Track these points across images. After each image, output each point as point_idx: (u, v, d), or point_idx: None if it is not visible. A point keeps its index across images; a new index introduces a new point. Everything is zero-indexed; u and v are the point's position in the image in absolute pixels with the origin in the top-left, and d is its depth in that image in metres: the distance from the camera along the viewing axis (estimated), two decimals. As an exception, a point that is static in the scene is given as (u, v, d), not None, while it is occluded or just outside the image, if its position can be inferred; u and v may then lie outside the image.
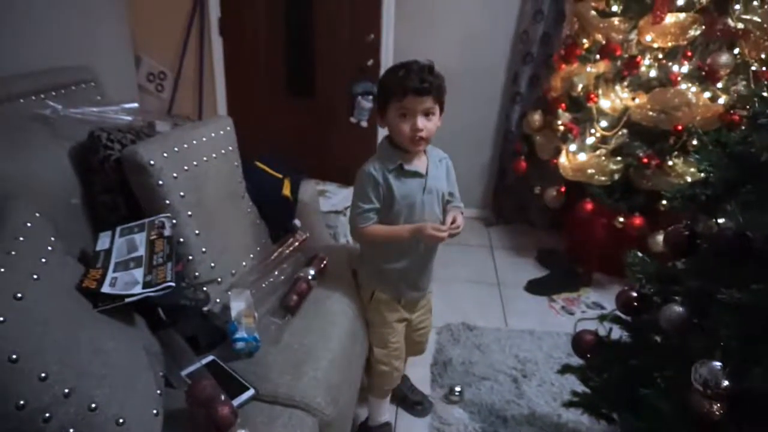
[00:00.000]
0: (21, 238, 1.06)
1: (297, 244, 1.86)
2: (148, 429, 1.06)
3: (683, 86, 2.37)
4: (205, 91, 3.42)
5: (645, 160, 2.44)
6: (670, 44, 2.42)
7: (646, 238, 2.44)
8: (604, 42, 2.63)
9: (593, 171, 2.57)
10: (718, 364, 1.01)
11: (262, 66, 3.39)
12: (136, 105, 1.88)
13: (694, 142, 2.31)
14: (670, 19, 2.36)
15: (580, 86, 2.67)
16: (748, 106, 2.20)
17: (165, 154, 1.52)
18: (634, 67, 2.50)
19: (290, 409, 1.32)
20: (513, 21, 3.14)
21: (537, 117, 3.01)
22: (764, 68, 2.29)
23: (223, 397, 1.16)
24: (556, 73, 2.91)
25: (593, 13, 2.67)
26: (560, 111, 2.81)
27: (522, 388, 2.08)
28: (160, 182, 1.49)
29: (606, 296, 2.71)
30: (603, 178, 2.56)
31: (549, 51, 3.09)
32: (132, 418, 1.03)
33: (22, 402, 0.87)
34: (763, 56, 2.27)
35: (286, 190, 2.07)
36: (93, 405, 0.97)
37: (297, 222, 2.04)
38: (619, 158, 2.55)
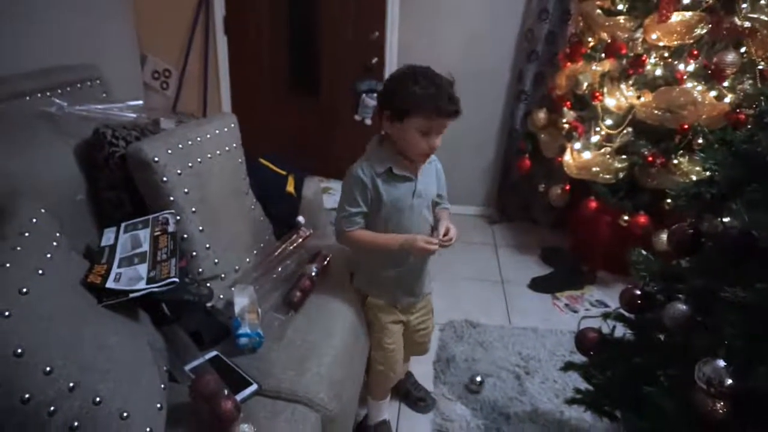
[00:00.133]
0: (26, 234, 1.07)
1: (300, 240, 1.87)
2: (152, 423, 1.07)
3: (689, 85, 2.35)
4: (210, 89, 3.43)
5: (650, 159, 2.43)
6: (675, 43, 2.40)
7: (650, 236, 2.43)
8: (609, 40, 2.61)
9: (598, 169, 2.57)
10: (721, 362, 1.00)
11: (266, 64, 3.40)
12: (141, 102, 1.89)
13: (700, 141, 2.30)
14: (676, 17, 2.34)
15: (585, 84, 2.66)
16: (754, 105, 2.19)
17: (169, 151, 1.52)
18: (639, 65, 2.49)
19: (293, 404, 1.33)
20: (518, 19, 3.13)
21: (542, 115, 3.00)
22: (771, 67, 2.28)
23: (226, 392, 1.16)
24: (561, 72, 2.90)
25: (599, 11, 2.66)
26: (565, 109, 2.80)
27: (525, 385, 2.08)
28: (165, 179, 1.50)
29: (610, 294, 2.70)
30: (608, 177, 2.55)
31: (554, 49, 3.08)
32: (136, 412, 1.04)
33: (27, 396, 0.88)
34: (770, 55, 2.26)
35: (290, 187, 2.07)
36: (97, 399, 0.98)
37: (301, 219, 2.05)
38: (624, 157, 2.54)
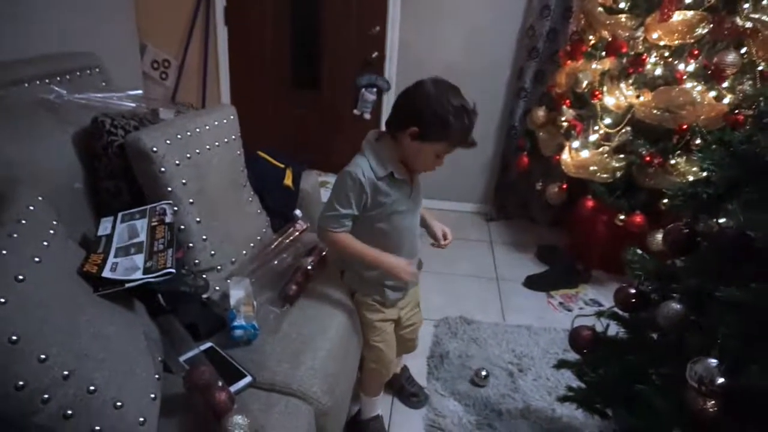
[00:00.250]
0: (23, 221, 1.07)
1: (297, 234, 1.87)
2: (146, 413, 1.07)
3: (688, 85, 2.35)
4: (209, 81, 3.42)
5: (648, 159, 2.43)
6: (676, 42, 2.40)
7: (646, 236, 2.43)
8: (610, 39, 2.61)
9: (596, 168, 2.57)
10: (713, 361, 1.01)
11: (266, 56, 3.38)
12: (140, 92, 1.88)
13: (698, 141, 2.30)
14: (677, 16, 2.34)
15: (585, 83, 2.66)
16: (753, 106, 2.19)
17: (168, 142, 1.52)
18: (639, 64, 2.49)
19: (287, 397, 1.33)
20: (519, 16, 3.12)
21: (541, 113, 3.00)
22: (772, 68, 2.28)
23: (220, 384, 1.17)
24: (562, 70, 2.90)
25: (600, 9, 2.66)
26: (564, 107, 2.80)
27: (518, 383, 2.09)
28: (163, 169, 1.50)
29: (604, 294, 2.71)
30: (605, 176, 2.55)
31: (555, 47, 3.08)
32: (130, 402, 1.04)
33: (21, 383, 0.88)
34: (770, 56, 2.26)
35: (288, 180, 2.07)
36: (92, 388, 0.98)
37: (298, 212, 2.05)
38: (621, 156, 2.55)
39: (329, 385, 1.42)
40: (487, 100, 3.31)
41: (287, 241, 1.83)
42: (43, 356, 0.91)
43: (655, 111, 2.39)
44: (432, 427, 1.89)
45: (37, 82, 1.73)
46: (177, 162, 1.53)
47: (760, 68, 2.31)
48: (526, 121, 3.21)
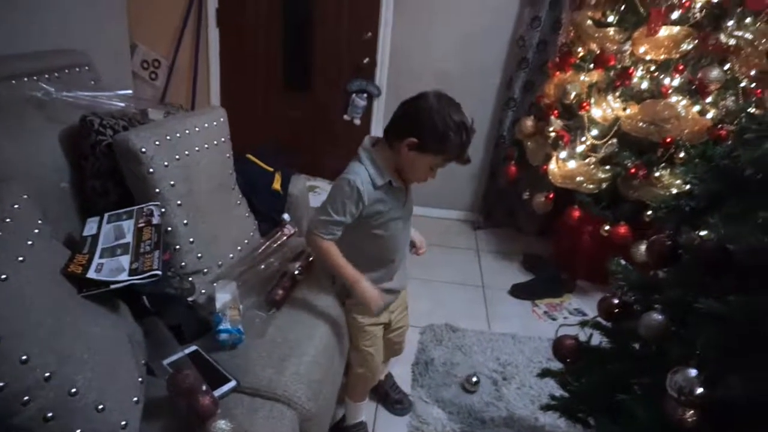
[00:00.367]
0: (8, 220, 1.06)
1: (285, 238, 1.87)
2: (128, 416, 1.06)
3: (673, 99, 2.40)
4: (199, 82, 3.40)
5: (633, 171, 2.46)
6: (662, 57, 2.45)
7: (630, 247, 2.46)
8: (598, 52, 2.65)
9: (582, 179, 2.60)
10: (692, 371, 1.02)
11: (258, 59, 3.38)
12: (129, 92, 1.88)
13: (681, 155, 2.34)
14: (664, 32, 2.38)
15: (573, 94, 2.69)
16: (736, 121, 2.24)
17: (157, 143, 1.51)
18: (626, 77, 2.53)
19: (271, 402, 1.33)
20: (510, 26, 3.16)
21: (530, 123, 3.02)
22: (753, 84, 2.33)
23: (204, 388, 1.16)
24: (550, 80, 2.93)
25: (589, 22, 2.70)
26: (552, 118, 2.83)
27: (501, 391, 2.10)
28: (151, 170, 1.49)
29: (588, 303, 2.74)
30: (591, 186, 2.58)
31: (544, 58, 3.12)
32: (112, 405, 1.03)
33: (1, 384, 0.87)
34: (752, 73, 2.31)
35: (277, 184, 2.07)
36: (73, 390, 0.97)
37: (286, 216, 2.05)
38: (607, 167, 2.58)
39: (314, 391, 1.42)
40: (477, 108, 3.32)
41: (275, 245, 1.83)
42: (24, 357, 0.90)
43: (640, 124, 2.43)
44: (416, 434, 1.89)
45: (25, 79, 1.71)
46: (166, 163, 1.53)
47: (742, 84, 2.36)
48: (514, 131, 3.24)
